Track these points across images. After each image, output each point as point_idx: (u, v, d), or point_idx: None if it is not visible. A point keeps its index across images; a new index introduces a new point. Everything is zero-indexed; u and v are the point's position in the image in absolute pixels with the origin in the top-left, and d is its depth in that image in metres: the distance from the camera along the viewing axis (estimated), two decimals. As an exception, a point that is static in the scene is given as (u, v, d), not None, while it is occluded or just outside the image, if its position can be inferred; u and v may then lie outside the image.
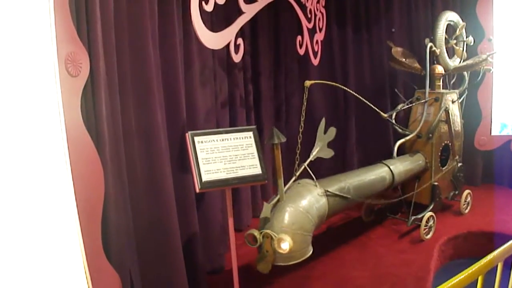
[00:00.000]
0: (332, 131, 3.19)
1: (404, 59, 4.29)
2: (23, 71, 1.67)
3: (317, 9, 3.96)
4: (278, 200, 2.90)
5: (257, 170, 2.42)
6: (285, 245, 2.64)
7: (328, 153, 3.17)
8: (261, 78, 4.47)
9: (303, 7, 3.74)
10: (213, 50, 3.45)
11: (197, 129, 3.14)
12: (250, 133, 2.47)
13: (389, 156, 4.86)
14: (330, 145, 3.19)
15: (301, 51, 3.77)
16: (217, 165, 2.30)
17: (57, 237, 1.80)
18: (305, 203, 2.91)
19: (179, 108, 2.83)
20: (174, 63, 2.79)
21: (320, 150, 3.13)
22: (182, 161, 2.88)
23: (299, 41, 3.72)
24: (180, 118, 2.84)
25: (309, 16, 3.84)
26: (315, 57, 3.99)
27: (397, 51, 4.34)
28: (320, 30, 4.06)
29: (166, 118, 2.69)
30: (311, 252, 2.90)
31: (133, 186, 2.37)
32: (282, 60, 4.82)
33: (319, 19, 4.01)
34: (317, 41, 3.99)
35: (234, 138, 2.39)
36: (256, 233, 2.70)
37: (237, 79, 3.89)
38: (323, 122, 3.21)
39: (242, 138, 2.42)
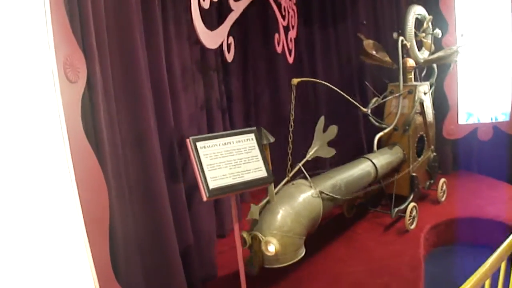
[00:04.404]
0: (333, 129, 3.15)
1: (375, 52, 4.33)
2: (20, 78, 1.52)
3: (289, 6, 3.93)
4: (268, 202, 2.85)
5: (262, 173, 2.35)
6: (272, 248, 2.63)
7: (329, 152, 3.13)
8: (231, 79, 4.40)
9: (278, 5, 3.70)
10: (190, 51, 3.35)
11: (183, 134, 3.03)
12: (252, 135, 2.39)
13: (362, 152, 4.95)
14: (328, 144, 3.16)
15: (279, 49, 3.72)
16: (223, 171, 2.20)
17: (66, 254, 1.66)
18: (296, 205, 2.88)
19: (167, 113, 2.71)
20: (159, 65, 2.67)
21: (319, 149, 3.09)
22: (173, 167, 2.76)
23: (277, 39, 3.67)
24: (168, 122, 2.72)
25: (284, 13, 3.80)
26: (290, 55, 3.95)
27: (368, 43, 4.36)
28: (293, 27, 4.03)
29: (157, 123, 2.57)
30: (302, 255, 2.87)
31: (132, 196, 2.24)
32: (250, 59, 4.76)
33: (291, 17, 3.98)
34: (291, 39, 3.96)
35: (236, 141, 2.30)
36: (245, 234, 2.67)
37: (213, 80, 3.80)
38: (321, 120, 3.17)
39: (245, 140, 2.33)
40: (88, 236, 1.74)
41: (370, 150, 4.71)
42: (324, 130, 3.26)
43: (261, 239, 2.66)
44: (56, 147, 1.66)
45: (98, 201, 1.85)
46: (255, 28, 4.69)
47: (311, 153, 3.15)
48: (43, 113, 1.60)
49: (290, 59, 3.97)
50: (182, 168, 2.90)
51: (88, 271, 1.77)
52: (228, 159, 2.23)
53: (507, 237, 3.72)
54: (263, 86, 5.00)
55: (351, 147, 4.95)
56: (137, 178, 2.32)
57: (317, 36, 4.93)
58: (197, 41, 2.49)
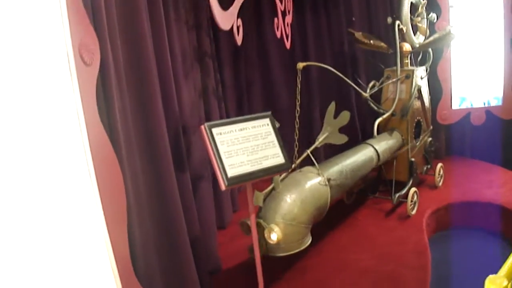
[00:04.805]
0: (345, 115, 3.07)
1: (369, 41, 4.31)
2: (35, 61, 1.40)
3: (285, -9, 3.84)
4: (273, 189, 2.79)
5: (280, 159, 2.26)
6: (274, 236, 2.58)
7: (341, 139, 3.07)
8: (224, 66, 4.31)
9: (275, -11, 3.61)
10: (188, 37, 3.25)
11: (185, 122, 2.93)
12: (267, 120, 2.29)
13: (356, 138, 4.92)
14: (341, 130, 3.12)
15: (278, 34, 3.64)
16: (240, 158, 2.09)
17: (85, 244, 1.56)
18: (301, 193, 2.82)
19: (172, 100, 2.59)
20: (164, 51, 2.55)
21: (329, 135, 3.03)
22: (179, 156, 2.65)
23: (276, 23, 3.58)
24: (173, 110, 2.60)
25: (281, -3, 3.70)
26: (287, 40, 3.87)
27: (359, 35, 4.35)
28: (289, 12, 3.94)
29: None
30: (307, 244, 2.82)
31: (145, 185, 2.14)
32: (242, 46, 4.65)
33: (287, 1, 3.88)
34: (287, 24, 3.87)
35: (252, 127, 2.20)
36: (249, 222, 2.60)
37: (209, 68, 3.70)
38: (332, 106, 3.10)
39: (260, 126, 2.23)
40: (107, 227, 1.64)
41: (365, 136, 4.69)
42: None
43: (264, 227, 2.60)
44: (73, 132, 1.54)
45: (115, 188, 1.74)
46: (247, 14, 4.57)
47: (320, 140, 3.09)
48: (58, 97, 1.48)
49: (288, 44, 3.88)
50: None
51: (108, 265, 1.67)
52: (245, 146, 2.13)
53: (507, 220, 3.75)
54: (255, 73, 4.91)
55: (345, 134, 4.89)
56: (148, 167, 2.22)
57: (309, 23, 4.85)
58: (213, 23, 2.39)
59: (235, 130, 2.13)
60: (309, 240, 2.85)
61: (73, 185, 1.52)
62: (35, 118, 1.38)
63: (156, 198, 2.29)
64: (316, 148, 3.16)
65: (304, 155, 2.97)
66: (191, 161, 2.98)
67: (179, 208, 2.39)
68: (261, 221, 2.64)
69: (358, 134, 5.02)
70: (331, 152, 3.81)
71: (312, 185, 2.90)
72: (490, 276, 1.54)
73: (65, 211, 1.47)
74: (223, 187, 2.06)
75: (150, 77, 2.20)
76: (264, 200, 2.73)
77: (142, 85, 2.17)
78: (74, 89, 1.54)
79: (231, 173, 2.05)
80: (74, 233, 1.51)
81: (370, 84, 4.11)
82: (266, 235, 2.60)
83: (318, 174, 2.96)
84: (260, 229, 2.63)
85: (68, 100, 1.52)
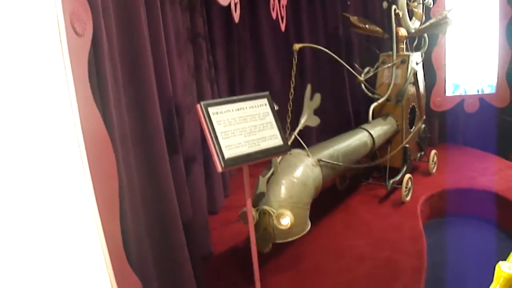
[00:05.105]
0: (317, 97, 3.06)
1: (364, 25, 4.24)
2: (24, 28, 1.29)
3: (281, -29, 3.73)
4: (272, 173, 2.72)
5: (278, 141, 2.16)
6: (286, 220, 2.49)
7: (315, 121, 3.05)
8: (217, 48, 4.22)
9: (270, -31, 3.50)
10: (182, 17, 3.14)
11: (179, 103, 2.83)
12: (265, 100, 2.20)
13: (349, 123, 4.88)
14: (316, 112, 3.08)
15: (274, 15, 3.53)
16: (237, 139, 2.00)
17: (78, 238, 1.46)
18: (300, 174, 2.79)
19: (165, 82, 2.48)
20: (158, 30, 2.43)
21: (307, 118, 2.98)
22: (172, 138, 2.55)
23: (272, 4, 3.48)
24: (167, 90, 2.49)
25: (276, -23, 3.59)
26: (282, 22, 3.76)
27: (355, 19, 4.28)
28: (284, -7, 3.84)
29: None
30: (309, 225, 2.77)
31: (138, 166, 2.04)
32: (234, 29, 4.56)
33: (283, -18, 3.78)
34: (283, 6, 3.76)
35: (249, 107, 2.10)
36: (252, 211, 2.51)
37: (202, 49, 3.59)
38: (309, 89, 3.06)
39: (258, 106, 2.14)
40: (99, 213, 1.54)
41: (357, 121, 4.64)
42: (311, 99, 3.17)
43: (272, 213, 2.52)
44: (63, 108, 1.43)
45: (107, 169, 1.64)
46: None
47: (302, 122, 3.05)
48: (48, 69, 1.37)
49: (283, 26, 3.78)
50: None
51: (100, 252, 1.58)
52: (243, 126, 2.04)
53: (500, 207, 3.74)
54: (248, 55, 4.83)
55: (338, 119, 4.88)
56: (141, 148, 2.12)
57: (303, 5, 4.76)
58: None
59: (232, 110, 2.04)
60: (309, 222, 2.80)
61: (63, 166, 1.41)
62: (23, 92, 1.28)
63: (149, 181, 2.19)
64: (305, 131, 3.12)
65: (292, 137, 2.92)
66: (183, 143, 2.88)
67: (172, 192, 2.30)
68: (267, 207, 2.54)
69: (351, 119, 4.97)
70: (323, 137, 3.75)
71: (306, 166, 2.86)
72: (500, 262, 1.50)
73: (55, 196, 1.37)
74: (219, 169, 1.96)
75: (144, 56, 2.09)
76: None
77: (135, 63, 2.06)
78: (65, 61, 1.43)
79: (228, 154, 1.95)
80: (65, 219, 1.41)
81: (365, 70, 4.04)
82: (275, 221, 2.50)
83: (308, 155, 2.92)
84: (265, 216, 2.54)
85: (58, 73, 1.42)
